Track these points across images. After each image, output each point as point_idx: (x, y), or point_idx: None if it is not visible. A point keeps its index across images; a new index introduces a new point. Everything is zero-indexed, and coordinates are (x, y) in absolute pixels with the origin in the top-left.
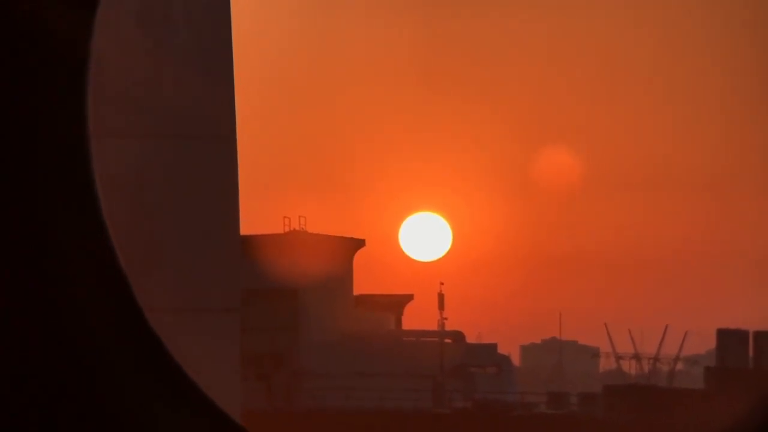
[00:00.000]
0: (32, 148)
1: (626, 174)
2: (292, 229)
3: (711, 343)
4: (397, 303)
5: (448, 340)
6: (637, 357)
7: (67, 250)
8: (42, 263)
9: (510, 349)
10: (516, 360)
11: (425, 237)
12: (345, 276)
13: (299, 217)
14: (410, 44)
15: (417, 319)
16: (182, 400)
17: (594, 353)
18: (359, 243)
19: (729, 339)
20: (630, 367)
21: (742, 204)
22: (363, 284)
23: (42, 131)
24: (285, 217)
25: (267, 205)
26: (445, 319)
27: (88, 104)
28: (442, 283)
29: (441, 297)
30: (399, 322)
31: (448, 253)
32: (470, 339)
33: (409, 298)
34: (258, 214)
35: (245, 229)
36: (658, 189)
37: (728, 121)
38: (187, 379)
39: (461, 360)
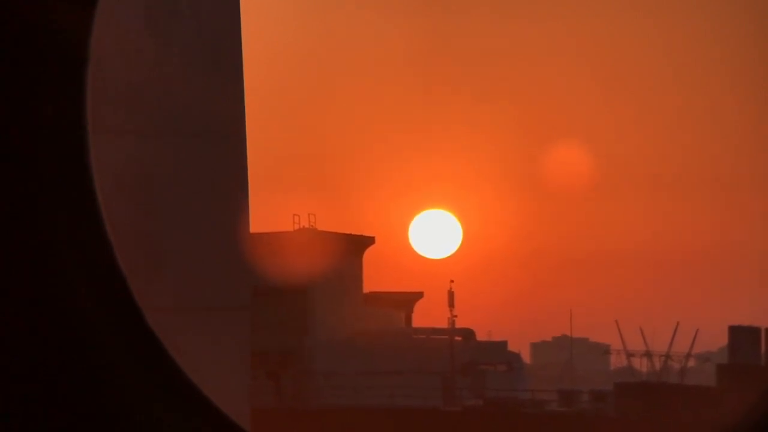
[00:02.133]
0: (31, 146)
1: (637, 172)
2: (301, 226)
3: (723, 340)
4: (407, 301)
5: (458, 338)
6: (648, 354)
7: (66, 250)
8: (40, 263)
9: (520, 346)
10: (527, 357)
11: (435, 234)
12: (354, 274)
13: (309, 214)
14: (421, 42)
15: (427, 316)
16: (184, 404)
17: (605, 351)
18: (369, 240)
19: (741, 336)
20: (641, 365)
21: (753, 201)
22: (373, 282)
23: (40, 128)
24: (294, 215)
25: (276, 202)
26: (455, 316)
27: (87, 100)
28: (452, 281)
29: (451, 295)
30: (409, 319)
31: (458, 250)
32: (480, 337)
33: (419, 295)
34: (267, 212)
35: (254, 226)
36: (669, 187)
37: (740, 120)
38: (189, 382)
39: (471, 358)
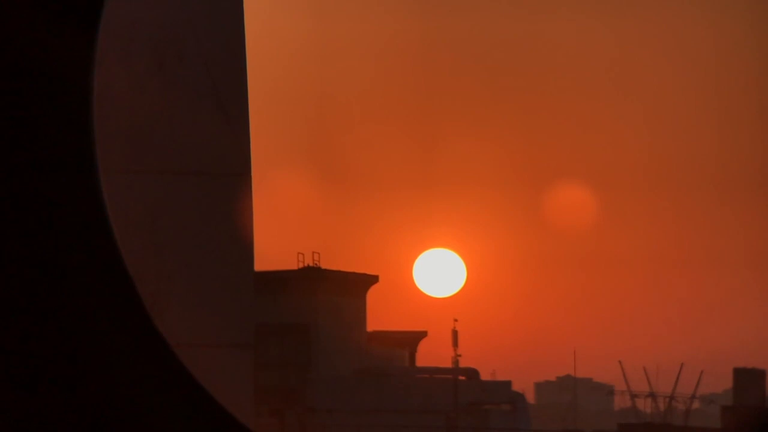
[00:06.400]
0: (42, 184)
1: (639, 210)
2: (306, 265)
3: (727, 382)
4: (411, 339)
5: (462, 377)
6: (652, 395)
7: (84, 283)
8: (60, 299)
9: (524, 386)
10: (531, 397)
11: (439, 273)
12: (358, 312)
13: (313, 253)
14: (424, 79)
15: (431, 355)
16: (194, 408)
17: (609, 391)
18: (373, 279)
19: (745, 378)
20: (645, 406)
21: (757, 240)
22: (377, 320)
23: (52, 167)
24: (299, 253)
25: (281, 241)
26: (459, 355)
27: (95, 137)
28: (456, 320)
29: (455, 334)
30: (413, 358)
31: (462, 289)
32: (484, 376)
33: (423, 334)
34: (272, 250)
35: (259, 265)
36: (672, 227)
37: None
38: (201, 389)
39: (475, 397)
